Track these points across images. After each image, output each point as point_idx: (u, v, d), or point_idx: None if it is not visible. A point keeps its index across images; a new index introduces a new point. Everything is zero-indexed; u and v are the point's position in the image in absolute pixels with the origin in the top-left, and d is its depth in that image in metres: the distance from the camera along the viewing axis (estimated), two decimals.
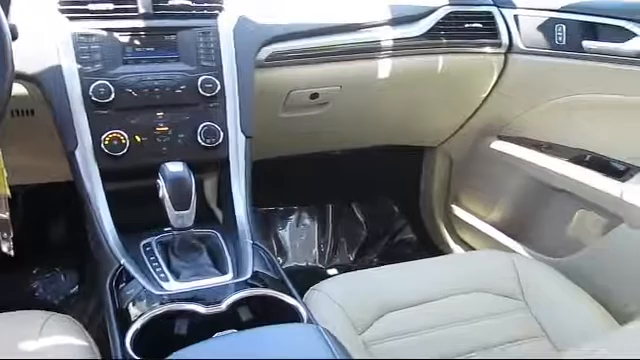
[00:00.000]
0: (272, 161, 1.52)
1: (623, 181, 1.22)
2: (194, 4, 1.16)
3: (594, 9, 1.27)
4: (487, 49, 1.45)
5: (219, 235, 1.06)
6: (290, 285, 0.95)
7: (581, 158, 1.37)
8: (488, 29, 1.44)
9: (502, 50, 1.45)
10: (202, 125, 1.10)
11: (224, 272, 0.96)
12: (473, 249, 1.76)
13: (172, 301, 0.86)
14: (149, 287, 0.89)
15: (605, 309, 1.09)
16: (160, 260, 0.98)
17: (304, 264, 1.95)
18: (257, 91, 1.19)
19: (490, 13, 1.45)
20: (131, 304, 0.87)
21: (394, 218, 2.07)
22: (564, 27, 1.32)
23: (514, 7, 1.45)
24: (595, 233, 1.32)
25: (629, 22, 1.18)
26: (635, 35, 1.16)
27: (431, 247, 1.92)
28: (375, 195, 2.06)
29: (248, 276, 0.93)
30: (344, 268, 1.91)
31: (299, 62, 1.31)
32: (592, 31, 1.27)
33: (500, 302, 1.11)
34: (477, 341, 1.02)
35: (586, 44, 1.26)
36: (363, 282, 1.15)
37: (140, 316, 0.83)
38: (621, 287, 1.18)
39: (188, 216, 0.96)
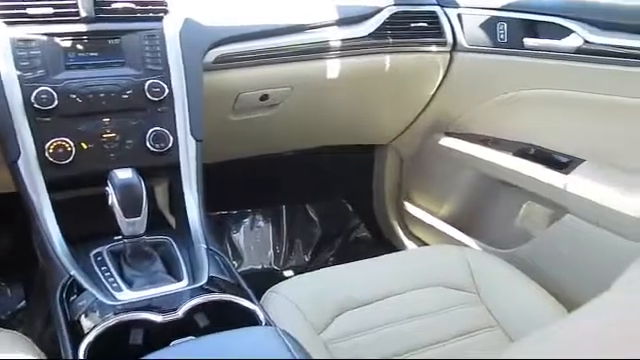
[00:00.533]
0: (224, 164, 1.51)
1: (567, 173, 1.27)
2: (138, 7, 1.14)
3: (533, 7, 1.31)
4: (432, 48, 1.48)
5: (173, 241, 1.04)
6: (247, 288, 0.95)
7: (526, 152, 1.41)
8: (433, 28, 1.47)
9: (447, 49, 1.48)
10: (151, 130, 1.08)
11: (179, 279, 0.95)
12: (426, 245, 1.79)
13: (126, 311, 0.85)
14: (101, 298, 0.87)
15: (554, 297, 1.13)
16: (112, 270, 0.96)
17: (260, 267, 1.94)
18: (206, 94, 1.18)
19: (434, 13, 1.48)
20: (83, 316, 0.85)
21: (348, 217, 2.08)
22: (505, 25, 1.36)
23: (457, 6, 1.48)
24: (542, 224, 1.37)
25: (566, 19, 1.22)
26: (572, 32, 1.21)
27: (385, 244, 1.95)
28: (328, 195, 2.07)
29: (204, 281, 0.92)
30: (300, 269, 1.91)
31: (247, 64, 1.30)
32: (532, 29, 1.31)
33: (454, 295, 1.13)
34: (433, 335, 1.04)
35: (527, 41, 1.31)
36: (319, 282, 1.15)
37: (93, 328, 0.81)
38: (568, 275, 1.23)
39: (140, 223, 0.94)
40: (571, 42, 1.21)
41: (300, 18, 1.35)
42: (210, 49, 1.23)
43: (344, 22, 1.40)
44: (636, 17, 1.13)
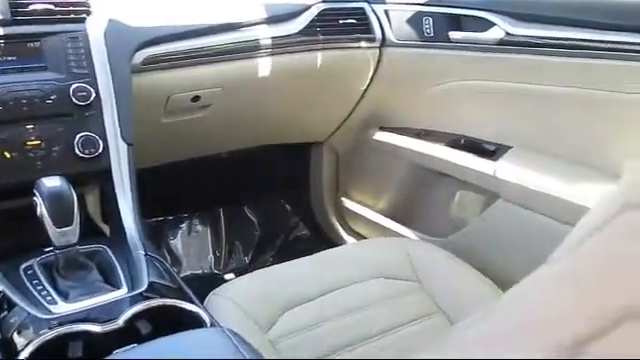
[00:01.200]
0: (157, 168, 1.47)
1: (495, 160, 1.32)
2: (58, 8, 1.09)
3: (457, 2, 1.35)
4: (362, 44, 1.50)
5: (108, 249, 1.01)
6: (189, 292, 0.93)
7: (457, 142, 1.45)
8: (362, 24, 1.49)
9: (376, 44, 1.51)
10: (79, 136, 1.04)
11: (118, 287, 0.92)
12: (366, 239, 1.82)
13: (62, 324, 0.81)
14: (35, 312, 0.83)
15: (490, 279, 1.17)
16: (45, 283, 0.91)
17: (200, 272, 1.91)
18: (136, 97, 1.15)
19: (362, 9, 1.50)
20: (16, 333, 0.80)
21: (287, 216, 2.08)
22: (431, 20, 1.39)
23: (384, 2, 1.51)
24: (476, 211, 1.42)
25: (488, 12, 1.27)
26: (494, 24, 1.25)
27: (325, 241, 1.96)
28: (266, 195, 2.06)
29: (144, 288, 0.90)
30: (241, 271, 1.89)
31: (177, 65, 1.28)
32: (457, 22, 1.35)
33: (396, 285, 1.15)
34: (377, 326, 1.05)
35: (452, 35, 1.35)
36: (262, 281, 1.14)
37: (28, 344, 0.77)
38: (502, 257, 1.28)
39: (72, 233, 0.90)
40: (494, 34, 1.25)
41: (229, 17, 1.34)
42: (138, 50, 1.20)
43: (273, 20, 1.40)
44: (552, 9, 1.19)
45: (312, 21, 1.43)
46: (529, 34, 1.20)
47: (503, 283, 1.14)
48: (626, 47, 1.05)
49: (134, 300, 0.87)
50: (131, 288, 0.91)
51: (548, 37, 1.16)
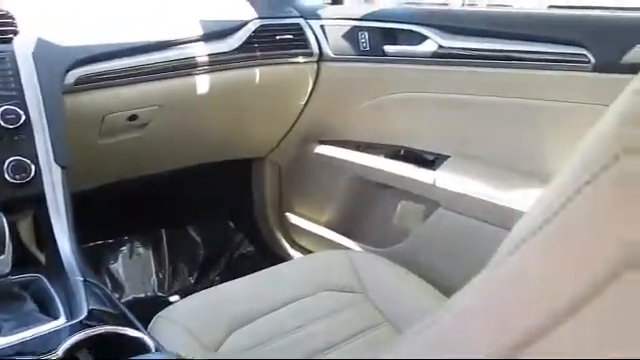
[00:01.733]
0: (95, 191, 1.43)
1: (434, 169, 1.35)
2: None
3: (390, 17, 1.39)
4: (300, 59, 1.51)
5: (44, 278, 0.96)
6: (131, 317, 0.90)
7: (397, 153, 1.48)
8: (298, 40, 1.51)
9: (314, 59, 1.52)
10: (9, 160, 0.99)
11: (55, 317, 0.87)
12: (312, 252, 1.82)
13: None
14: None
15: (434, 286, 1.19)
16: None
17: (143, 295, 1.85)
18: (69, 118, 1.11)
19: (298, 25, 1.52)
20: None
21: (231, 234, 2.06)
22: (367, 34, 1.42)
23: (320, 18, 1.53)
24: (418, 220, 1.44)
25: (421, 26, 1.31)
26: (427, 38, 1.29)
27: (271, 257, 1.94)
28: (209, 213, 2.03)
29: (83, 316, 0.86)
30: (187, 292, 1.85)
31: (112, 84, 1.24)
32: (391, 36, 1.39)
33: (343, 298, 1.16)
34: (326, 339, 1.05)
35: (387, 48, 1.38)
36: (208, 301, 1.12)
37: None
38: (445, 264, 1.30)
39: (3, 262, 0.86)
40: (427, 47, 1.29)
41: (165, 34, 1.32)
42: (70, 70, 1.16)
43: (211, 37, 1.39)
44: (480, 22, 1.24)
45: (249, 37, 1.43)
46: (460, 46, 1.24)
47: (447, 290, 1.16)
48: (548, 57, 1.10)
49: (73, 329, 0.83)
50: (70, 317, 0.87)
51: (477, 49, 1.21)
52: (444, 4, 1.59)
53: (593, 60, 1.06)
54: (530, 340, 0.43)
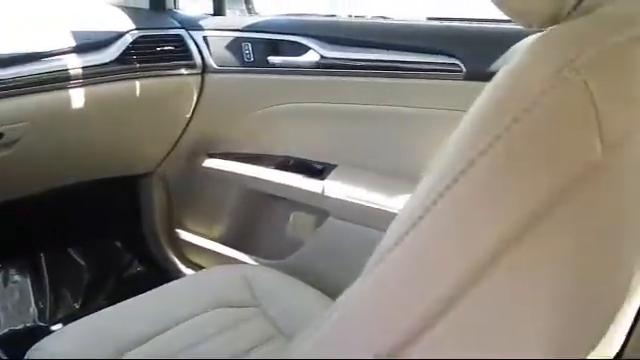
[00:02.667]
0: None
1: (323, 179, 1.36)
2: None
3: (273, 28, 1.39)
4: (183, 71, 1.48)
5: None
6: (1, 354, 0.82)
7: (286, 164, 1.48)
8: (180, 51, 1.47)
9: (197, 70, 1.49)
10: None
11: None
12: (205, 269, 1.77)
13: None
14: None
15: (329, 296, 1.19)
16: None
17: (21, 326, 1.71)
18: None
19: (179, 36, 1.48)
20: None
21: (119, 254, 1.96)
22: (250, 45, 1.41)
23: (202, 29, 1.50)
24: (310, 230, 1.45)
25: (303, 37, 1.32)
26: (310, 48, 1.31)
27: (163, 275, 1.87)
28: (93, 234, 1.92)
29: None
30: (71, 319, 1.73)
31: None
32: (275, 47, 1.39)
33: (237, 314, 1.13)
34: (219, 357, 1.02)
35: (271, 59, 1.38)
36: (94, 326, 1.06)
37: None
38: (338, 273, 1.31)
39: None
40: (310, 58, 1.31)
41: (35, 46, 1.24)
42: None
43: (85, 48, 1.32)
44: (360, 32, 1.27)
45: (127, 49, 1.37)
46: (341, 57, 1.27)
47: (337, 296, 1.17)
48: (425, 67, 1.15)
49: None
50: None
51: (358, 59, 1.24)
52: (331, 15, 1.61)
53: (465, 69, 1.12)
54: (410, 340, 0.44)
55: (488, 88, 0.46)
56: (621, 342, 0.55)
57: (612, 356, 0.54)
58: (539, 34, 0.45)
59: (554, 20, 0.47)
